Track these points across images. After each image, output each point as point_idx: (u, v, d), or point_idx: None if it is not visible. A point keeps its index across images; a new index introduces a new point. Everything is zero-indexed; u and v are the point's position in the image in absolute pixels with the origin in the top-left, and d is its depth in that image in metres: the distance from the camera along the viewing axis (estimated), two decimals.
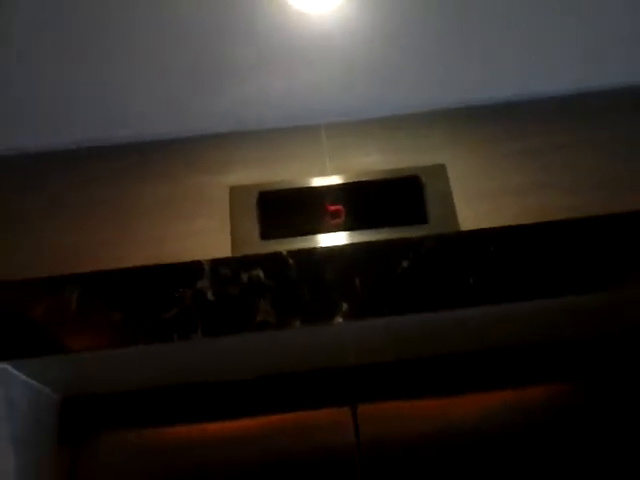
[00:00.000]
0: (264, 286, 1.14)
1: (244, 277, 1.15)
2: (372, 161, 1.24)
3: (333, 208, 1.19)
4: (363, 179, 1.22)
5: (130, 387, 1.26)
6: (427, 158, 1.23)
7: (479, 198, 1.19)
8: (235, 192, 1.23)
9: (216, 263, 1.16)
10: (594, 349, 1.25)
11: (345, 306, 1.12)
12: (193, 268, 1.16)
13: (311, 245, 1.17)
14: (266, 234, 1.19)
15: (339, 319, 1.11)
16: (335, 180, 1.22)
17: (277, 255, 1.15)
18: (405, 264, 1.13)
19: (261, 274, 1.15)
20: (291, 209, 1.21)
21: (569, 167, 1.21)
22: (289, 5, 1.14)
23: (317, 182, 1.23)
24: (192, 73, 1.22)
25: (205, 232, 1.20)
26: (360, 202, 1.21)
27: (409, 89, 1.28)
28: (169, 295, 1.15)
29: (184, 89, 1.26)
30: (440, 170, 1.21)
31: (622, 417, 1.20)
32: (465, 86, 1.28)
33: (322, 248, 1.16)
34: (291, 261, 1.15)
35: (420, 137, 1.26)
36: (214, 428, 1.25)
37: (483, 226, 1.15)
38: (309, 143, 1.27)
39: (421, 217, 1.18)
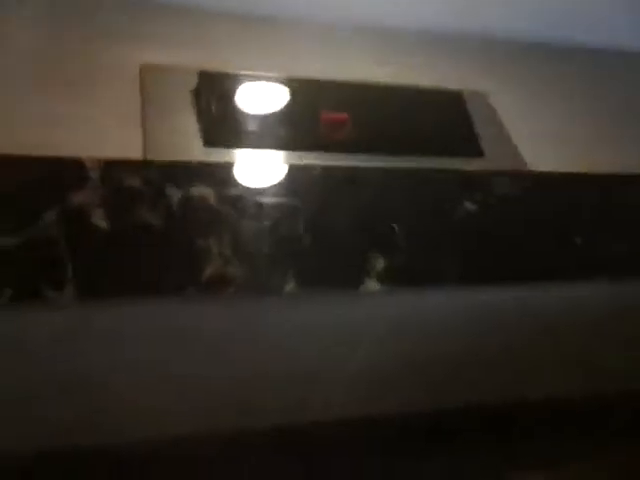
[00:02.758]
0: (217, 214, 0.57)
1: (174, 196, 0.57)
2: (390, 72, 0.76)
3: (332, 116, 0.68)
4: (379, 85, 0.74)
5: None
6: (467, 84, 0.79)
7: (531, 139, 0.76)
8: (154, 72, 0.67)
9: (117, 166, 0.57)
10: None
11: (380, 263, 0.58)
12: (68, 169, 0.56)
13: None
14: (212, 138, 0.63)
15: (371, 284, 0.57)
16: (334, 77, 0.72)
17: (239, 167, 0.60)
18: (470, 207, 0.64)
19: (207, 192, 0.58)
20: (258, 106, 0.68)
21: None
22: None
23: (303, 75, 0.72)
24: None
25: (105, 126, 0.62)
26: (376, 114, 0.71)
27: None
28: (11, 214, 0.53)
29: None
30: (485, 98, 0.78)
31: None
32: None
33: (327, 167, 0.63)
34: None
35: (458, 60, 0.82)
36: None
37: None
38: (293, 37, 0.77)
39: (473, 147, 0.71)
